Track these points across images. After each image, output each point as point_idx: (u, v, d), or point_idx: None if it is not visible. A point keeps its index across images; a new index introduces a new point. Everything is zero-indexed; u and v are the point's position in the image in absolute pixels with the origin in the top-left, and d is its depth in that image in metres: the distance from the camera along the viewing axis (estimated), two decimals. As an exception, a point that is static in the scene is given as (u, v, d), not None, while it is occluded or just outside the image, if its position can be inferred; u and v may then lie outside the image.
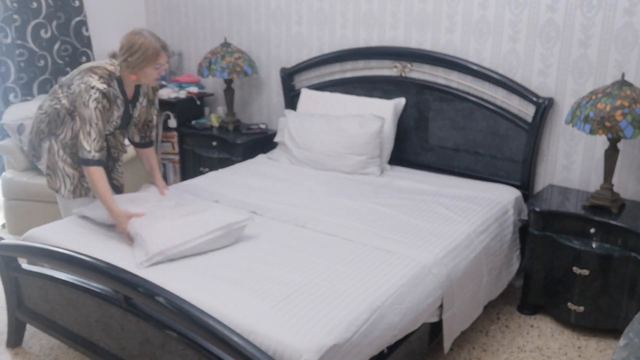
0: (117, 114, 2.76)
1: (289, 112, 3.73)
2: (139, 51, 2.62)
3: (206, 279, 2.20)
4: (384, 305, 2.10)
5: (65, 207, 2.93)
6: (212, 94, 4.51)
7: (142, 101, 2.90)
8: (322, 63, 3.88)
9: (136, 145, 3.04)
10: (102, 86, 2.61)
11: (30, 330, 2.81)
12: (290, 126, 3.62)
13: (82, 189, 2.85)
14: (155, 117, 3.03)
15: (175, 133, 4.28)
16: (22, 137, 3.68)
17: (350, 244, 2.52)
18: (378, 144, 3.38)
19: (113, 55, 2.73)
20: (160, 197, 2.90)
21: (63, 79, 2.81)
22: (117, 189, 3.06)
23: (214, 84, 4.52)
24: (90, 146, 2.59)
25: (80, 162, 2.68)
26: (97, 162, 2.61)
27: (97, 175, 2.62)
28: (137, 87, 2.84)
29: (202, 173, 3.81)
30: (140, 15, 4.74)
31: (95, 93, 2.58)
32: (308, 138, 3.51)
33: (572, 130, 3.11)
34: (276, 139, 3.74)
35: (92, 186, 2.65)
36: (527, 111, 3.20)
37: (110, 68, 2.68)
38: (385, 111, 3.49)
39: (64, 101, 2.73)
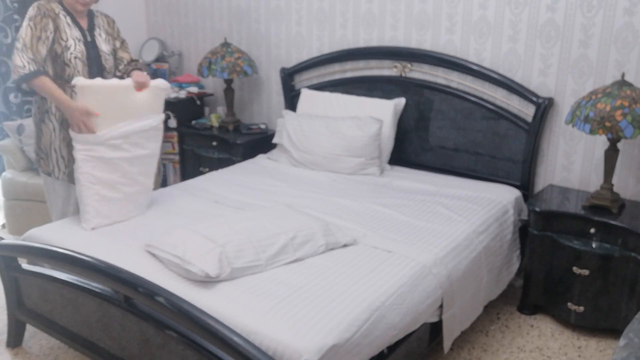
0: (71, 36, 2.72)
1: (287, 113, 3.72)
2: None
3: (206, 279, 2.19)
4: (384, 305, 2.10)
5: (54, 194, 2.90)
6: (212, 94, 4.51)
7: (101, 33, 2.88)
8: (322, 63, 3.88)
9: (126, 74, 2.96)
10: (36, 3, 2.65)
11: (30, 330, 2.81)
12: (288, 128, 3.62)
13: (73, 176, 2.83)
14: (131, 55, 3.03)
15: (175, 133, 4.27)
16: (22, 137, 3.69)
17: (350, 244, 2.52)
18: (377, 145, 3.38)
19: None
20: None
21: None
22: None
23: (214, 84, 4.52)
24: (22, 60, 2.58)
25: (20, 84, 2.63)
26: (36, 72, 2.59)
27: (44, 83, 2.61)
28: (91, 17, 2.86)
29: (202, 173, 3.81)
30: (141, 15, 4.74)
31: (30, 11, 2.63)
32: (306, 140, 3.51)
33: (572, 130, 3.11)
34: (275, 140, 3.74)
35: (49, 96, 2.65)
36: (527, 111, 3.20)
37: None
38: (385, 111, 3.49)
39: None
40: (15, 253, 2.54)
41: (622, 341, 1.53)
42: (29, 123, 3.71)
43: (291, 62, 4.06)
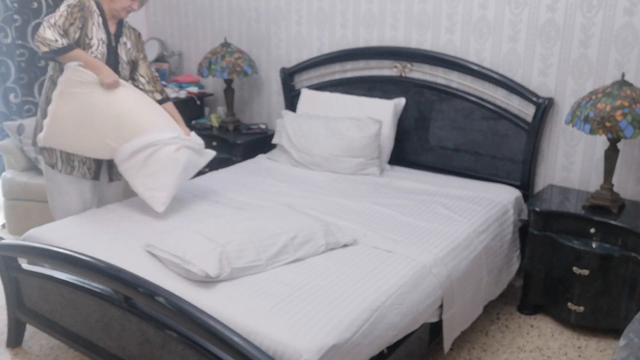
0: (98, 34, 2.74)
1: (286, 114, 3.72)
2: None
3: (206, 279, 2.19)
4: (384, 305, 2.10)
5: (56, 187, 2.91)
6: (212, 94, 4.51)
7: (126, 42, 2.89)
8: (322, 63, 3.88)
9: (159, 102, 3.02)
10: None
11: (30, 330, 2.81)
12: (287, 128, 3.61)
13: (78, 171, 2.86)
14: (154, 72, 3.06)
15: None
16: (21, 137, 3.69)
17: (350, 244, 2.52)
18: (376, 146, 3.38)
19: None
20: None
21: None
22: (111, 171, 3.01)
23: (214, 84, 4.52)
24: (54, 34, 2.57)
25: (50, 57, 2.64)
26: (69, 47, 2.61)
27: (78, 54, 2.64)
28: (120, 25, 2.86)
29: (202, 173, 3.80)
30: (140, 15, 4.74)
31: (69, 1, 2.65)
32: (306, 141, 3.51)
33: (572, 130, 3.11)
34: (274, 141, 3.74)
35: (83, 62, 2.65)
36: (527, 111, 3.20)
37: None
38: (385, 111, 3.49)
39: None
40: (15, 253, 2.54)
41: (622, 341, 1.53)
42: (29, 123, 3.71)
43: (291, 62, 4.06)
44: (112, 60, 2.83)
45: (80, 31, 2.69)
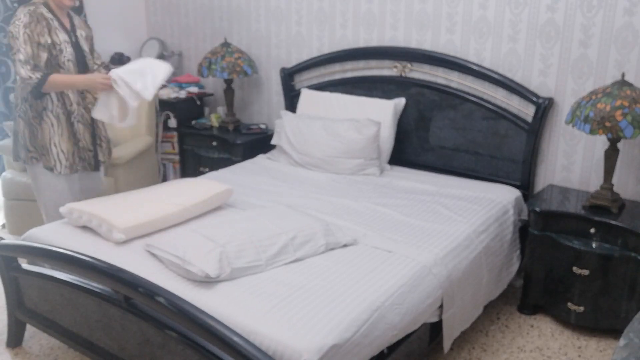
0: (61, 39, 2.76)
1: (285, 114, 3.72)
2: None
3: (206, 279, 2.19)
4: (384, 305, 2.10)
5: (51, 187, 2.92)
6: (212, 94, 4.51)
7: (82, 34, 2.92)
8: (322, 63, 3.88)
9: None
10: (26, 9, 2.67)
11: (30, 330, 2.81)
12: (286, 129, 3.61)
13: (77, 165, 2.92)
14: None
15: (175, 133, 4.27)
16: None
17: (350, 244, 2.52)
18: (376, 147, 3.38)
19: None
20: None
21: None
22: (97, 161, 3.05)
23: (214, 84, 4.52)
24: (27, 71, 2.63)
25: (36, 92, 2.70)
26: (44, 77, 2.65)
27: (56, 79, 2.69)
28: (70, 18, 2.88)
29: (202, 173, 3.81)
30: (140, 15, 4.74)
31: (21, 19, 2.65)
32: (305, 142, 3.51)
33: (572, 130, 3.11)
34: (273, 142, 3.73)
35: (65, 88, 2.75)
36: (527, 111, 3.20)
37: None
38: (385, 111, 3.49)
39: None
40: (15, 253, 2.54)
41: (622, 341, 1.53)
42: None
43: (291, 62, 4.06)
44: (79, 55, 2.87)
45: (50, 40, 2.71)
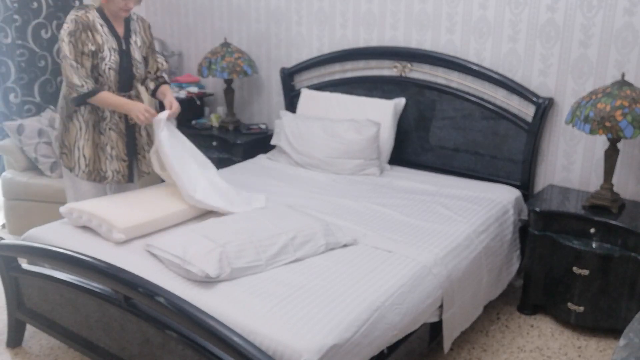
0: (107, 46, 2.72)
1: (285, 114, 3.72)
2: None
3: (206, 279, 2.19)
4: (384, 305, 2.10)
5: (74, 187, 2.92)
6: (212, 94, 4.51)
7: (136, 40, 2.87)
8: (322, 63, 3.88)
9: (153, 92, 3.01)
10: (74, 15, 2.64)
11: (30, 330, 2.81)
12: (286, 129, 3.61)
13: (97, 175, 2.86)
14: (162, 60, 3.03)
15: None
16: (21, 137, 3.69)
17: (350, 244, 2.52)
18: (375, 147, 3.38)
19: None
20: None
21: None
22: (139, 171, 3.04)
23: (214, 84, 4.52)
24: (80, 79, 2.62)
25: (80, 102, 2.70)
26: (95, 90, 2.66)
27: (104, 96, 2.69)
28: (127, 24, 2.83)
29: (202, 173, 3.80)
30: (141, 15, 4.73)
31: (68, 25, 2.63)
32: (304, 143, 3.51)
33: (572, 130, 3.11)
34: (273, 142, 3.73)
35: (108, 106, 2.74)
36: (527, 111, 3.20)
37: (91, 2, 2.75)
38: (385, 111, 3.49)
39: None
40: (15, 253, 2.54)
41: (622, 341, 1.53)
42: (29, 123, 3.72)
43: (291, 62, 4.06)
44: (126, 63, 2.82)
45: (94, 49, 2.69)
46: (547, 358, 2.69)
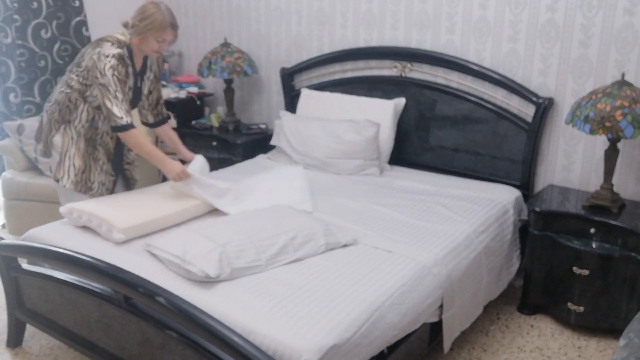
0: (129, 83, 2.76)
1: (284, 115, 3.72)
2: (148, 19, 2.66)
3: (206, 279, 2.19)
4: (384, 305, 2.10)
5: (66, 198, 2.91)
6: (212, 94, 4.51)
7: (150, 75, 2.90)
8: (322, 63, 3.88)
9: (152, 125, 3.04)
10: (117, 51, 2.64)
11: (30, 330, 2.81)
12: (285, 130, 3.61)
13: (84, 186, 2.85)
14: (162, 91, 3.04)
15: (175, 133, 4.27)
16: (21, 137, 3.69)
17: (350, 244, 2.52)
18: (375, 148, 3.38)
19: (125, 25, 2.75)
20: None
21: (71, 64, 2.82)
22: (128, 182, 3.07)
23: (214, 84, 4.52)
24: (120, 112, 2.63)
25: (114, 131, 2.71)
26: (132, 125, 2.67)
27: (137, 136, 2.69)
28: (145, 60, 2.85)
29: (202, 173, 3.81)
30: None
31: (110, 60, 2.62)
32: (304, 143, 3.51)
33: (572, 130, 3.11)
34: (272, 142, 3.73)
35: (138, 150, 2.74)
36: (527, 111, 3.20)
37: (121, 37, 2.71)
38: (385, 111, 3.49)
39: (74, 83, 2.74)
40: (15, 253, 2.54)
41: (622, 341, 1.53)
42: (29, 123, 3.71)
43: (291, 62, 4.06)
44: (135, 98, 2.85)
45: (131, 84, 2.72)
46: (547, 358, 2.69)
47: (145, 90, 2.91)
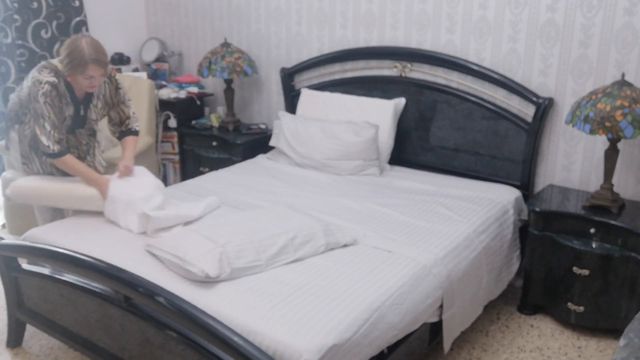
0: (67, 112, 2.75)
1: (283, 115, 3.72)
2: (68, 57, 2.61)
3: (206, 279, 2.19)
4: (384, 305, 2.10)
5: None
6: (212, 94, 4.51)
7: (97, 103, 2.86)
8: (322, 63, 3.88)
9: (119, 139, 3.03)
10: (51, 79, 2.64)
11: (30, 330, 2.81)
12: (285, 130, 3.61)
13: (58, 172, 2.87)
14: (130, 111, 2.99)
15: (175, 133, 4.27)
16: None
17: (350, 244, 2.52)
18: (374, 149, 3.38)
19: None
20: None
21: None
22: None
23: (214, 84, 4.52)
24: (48, 140, 2.66)
25: (45, 156, 2.74)
26: (60, 153, 2.70)
27: (67, 161, 2.73)
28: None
29: (202, 173, 3.81)
30: (141, 15, 4.74)
31: (43, 87, 2.62)
32: (303, 144, 3.51)
33: (572, 130, 3.11)
34: (272, 143, 3.72)
35: (72, 172, 2.77)
36: (527, 111, 3.20)
37: (59, 66, 2.69)
38: (385, 111, 3.49)
39: (22, 94, 2.77)
40: (15, 253, 2.54)
41: (622, 341, 1.53)
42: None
43: (291, 62, 4.06)
44: (78, 124, 2.84)
45: (66, 114, 2.72)
46: (547, 358, 2.69)
47: (94, 117, 2.87)
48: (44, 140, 2.66)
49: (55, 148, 2.68)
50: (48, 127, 2.65)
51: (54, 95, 2.65)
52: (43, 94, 2.62)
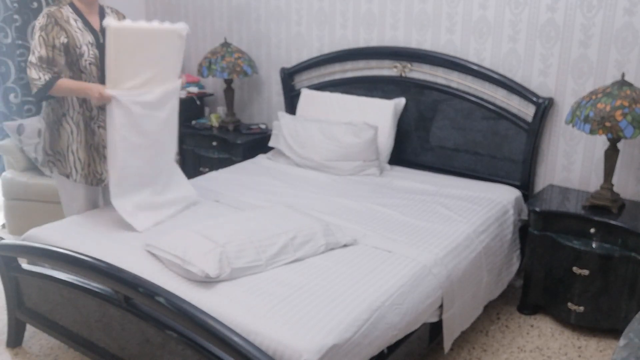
0: (83, 41, 2.67)
1: (282, 116, 3.71)
2: None
3: (206, 279, 2.19)
4: (384, 305, 2.10)
5: (67, 193, 2.89)
6: (212, 94, 4.51)
7: None
8: (322, 63, 3.88)
9: None
10: (47, 10, 2.62)
11: (30, 330, 2.81)
12: (284, 131, 3.61)
13: (93, 178, 2.82)
14: None
15: None
16: (22, 137, 3.69)
17: (350, 244, 2.52)
18: (374, 149, 3.38)
19: None
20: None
21: None
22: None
23: (214, 84, 4.52)
24: (38, 72, 2.58)
25: (37, 98, 2.67)
26: (52, 80, 2.59)
27: (62, 84, 2.62)
28: (102, 17, 2.77)
29: (202, 173, 3.81)
30: (141, 15, 4.74)
31: (39, 21, 2.60)
32: (303, 145, 3.51)
33: (572, 130, 3.11)
34: (271, 144, 3.72)
35: (69, 94, 2.68)
36: (527, 111, 3.20)
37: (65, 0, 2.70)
38: (385, 111, 3.49)
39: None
40: (15, 253, 2.54)
41: (622, 341, 1.53)
42: (29, 123, 3.71)
43: (291, 62, 4.06)
44: (104, 56, 2.75)
45: (66, 42, 2.64)
46: (547, 358, 2.69)
47: None
48: (33, 74, 2.58)
49: (46, 76, 2.59)
50: (33, 59, 2.58)
51: (50, 28, 2.60)
52: (40, 27, 2.60)
